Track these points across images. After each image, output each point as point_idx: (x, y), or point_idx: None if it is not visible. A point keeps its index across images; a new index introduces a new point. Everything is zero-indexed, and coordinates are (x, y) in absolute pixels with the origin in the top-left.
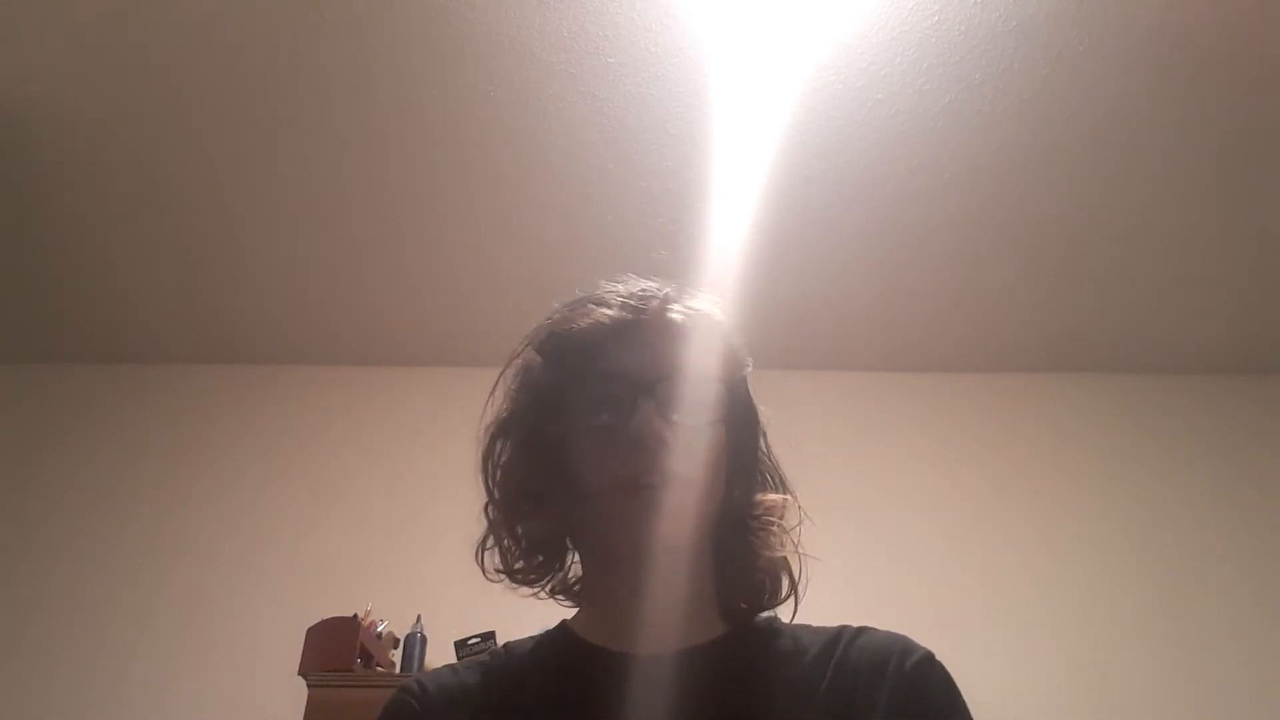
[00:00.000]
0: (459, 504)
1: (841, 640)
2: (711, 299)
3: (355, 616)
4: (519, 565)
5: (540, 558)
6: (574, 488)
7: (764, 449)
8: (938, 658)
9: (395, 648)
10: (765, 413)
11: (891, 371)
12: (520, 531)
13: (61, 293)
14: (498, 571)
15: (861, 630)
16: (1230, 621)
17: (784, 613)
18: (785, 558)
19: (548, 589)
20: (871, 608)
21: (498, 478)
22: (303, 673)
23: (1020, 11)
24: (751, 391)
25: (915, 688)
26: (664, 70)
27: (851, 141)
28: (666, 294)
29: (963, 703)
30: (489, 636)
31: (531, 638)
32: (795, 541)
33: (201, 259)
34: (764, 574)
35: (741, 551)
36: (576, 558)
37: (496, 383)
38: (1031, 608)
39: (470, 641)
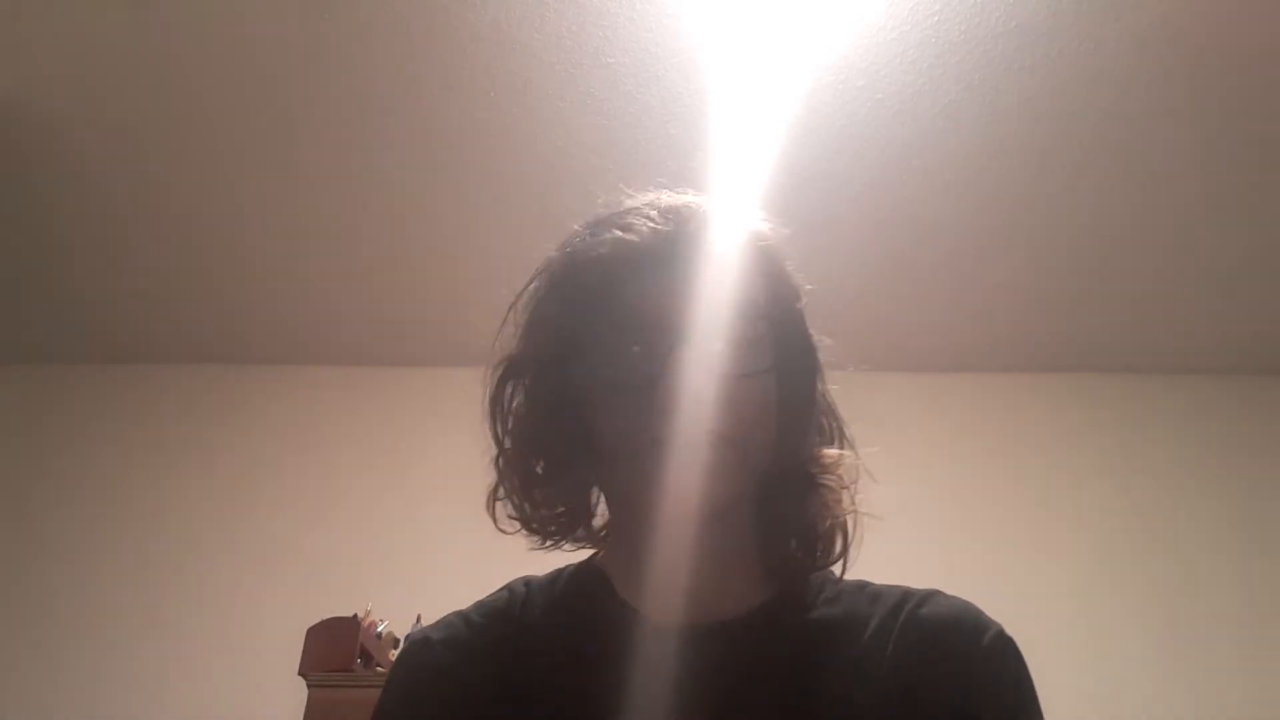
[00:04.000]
0: (459, 504)
1: (905, 608)
2: (761, 215)
3: (355, 616)
4: (539, 515)
5: (561, 508)
6: (600, 445)
7: (821, 394)
8: (1009, 634)
9: (395, 648)
10: (825, 347)
11: (891, 371)
12: (537, 494)
13: (62, 293)
14: (511, 519)
15: (928, 596)
16: (1230, 621)
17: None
18: (845, 520)
19: (571, 541)
20: None
21: (509, 426)
22: (303, 673)
23: (1020, 11)
24: (808, 325)
25: (985, 669)
26: (664, 70)
27: (851, 141)
28: (704, 211)
29: (1032, 687)
30: None
31: (558, 575)
32: (853, 499)
33: (202, 259)
34: (819, 537)
35: (797, 512)
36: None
37: (507, 315)
38: (1031, 607)
39: None
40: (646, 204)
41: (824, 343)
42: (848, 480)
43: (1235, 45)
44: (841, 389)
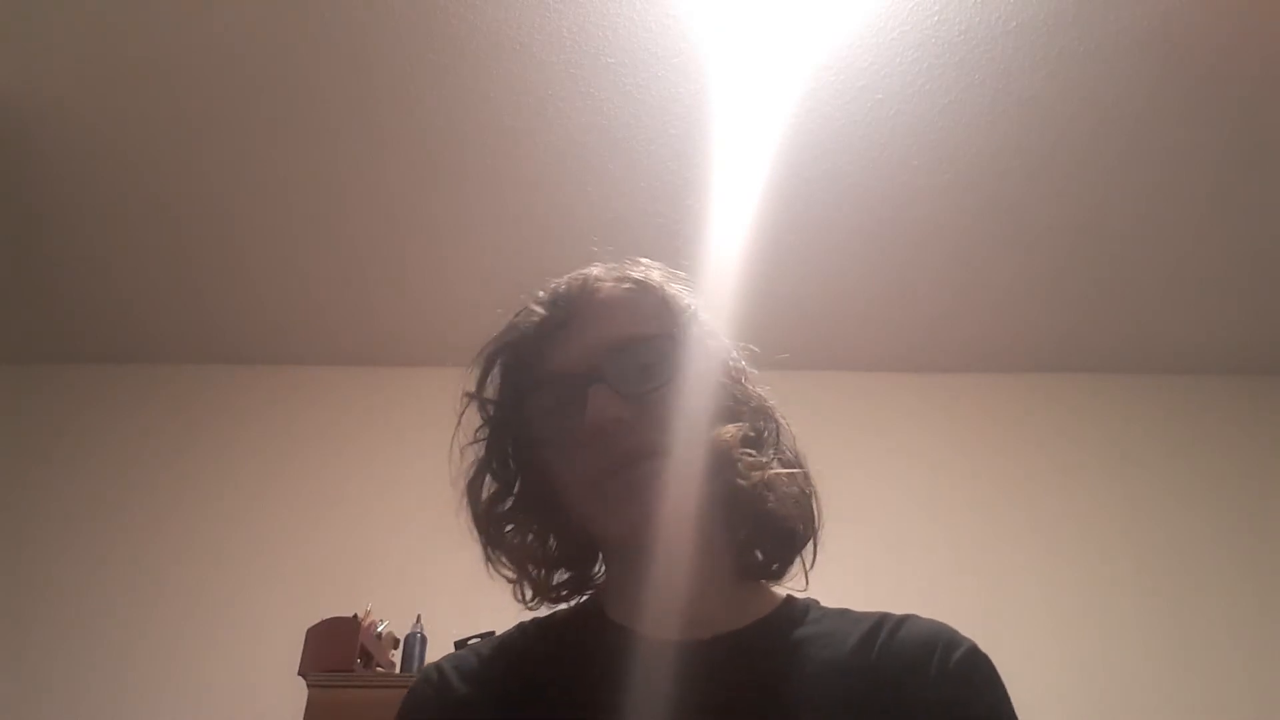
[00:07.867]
0: (459, 504)
1: (883, 629)
2: (642, 261)
3: (355, 616)
4: (553, 585)
5: (569, 573)
6: (568, 497)
7: (731, 382)
8: (982, 649)
9: (395, 648)
10: (725, 346)
11: (891, 371)
12: (535, 573)
13: (61, 293)
14: (531, 603)
15: (904, 619)
16: (1231, 621)
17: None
18: (768, 481)
19: (585, 592)
20: (871, 608)
21: (489, 518)
22: (303, 673)
23: (1020, 11)
24: (706, 330)
25: (960, 683)
26: (664, 70)
27: (851, 141)
28: (585, 277)
29: (1006, 697)
30: (489, 636)
31: (561, 613)
32: (773, 462)
33: (201, 259)
34: (760, 514)
35: (738, 500)
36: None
37: (457, 425)
38: (1031, 608)
39: (470, 641)
40: (536, 294)
41: (738, 348)
42: (737, 443)
43: (1235, 45)
44: (842, 389)
